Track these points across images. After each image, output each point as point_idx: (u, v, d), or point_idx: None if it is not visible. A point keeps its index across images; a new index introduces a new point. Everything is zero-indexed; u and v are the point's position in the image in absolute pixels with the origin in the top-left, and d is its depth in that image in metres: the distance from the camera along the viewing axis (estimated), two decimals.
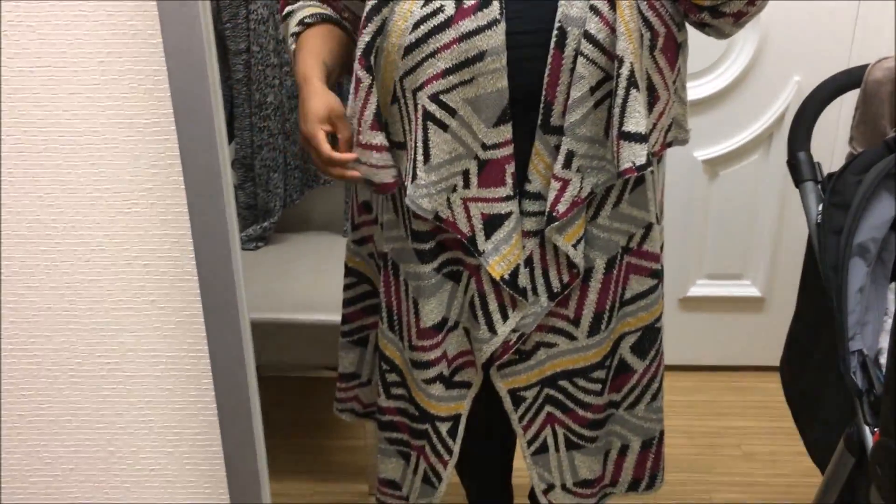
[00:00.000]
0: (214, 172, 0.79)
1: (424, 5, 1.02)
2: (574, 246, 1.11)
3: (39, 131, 0.82)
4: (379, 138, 1.06)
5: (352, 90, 1.07)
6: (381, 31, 1.04)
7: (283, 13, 1.21)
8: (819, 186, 1.49)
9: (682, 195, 2.08)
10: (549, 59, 1.03)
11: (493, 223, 1.09)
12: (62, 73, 0.80)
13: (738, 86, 2.03)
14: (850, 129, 1.56)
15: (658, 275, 1.23)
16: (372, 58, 1.04)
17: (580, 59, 1.01)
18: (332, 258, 2.12)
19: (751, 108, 2.05)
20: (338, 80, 1.17)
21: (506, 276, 1.11)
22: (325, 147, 1.05)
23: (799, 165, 1.51)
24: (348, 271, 1.36)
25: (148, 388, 0.86)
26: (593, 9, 1.00)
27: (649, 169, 1.05)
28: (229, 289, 0.79)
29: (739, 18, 1.02)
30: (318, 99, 1.07)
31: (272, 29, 2.11)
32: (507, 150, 1.06)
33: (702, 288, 2.20)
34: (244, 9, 2.09)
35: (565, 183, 1.07)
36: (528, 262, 1.13)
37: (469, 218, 1.09)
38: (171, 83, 0.77)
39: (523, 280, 1.12)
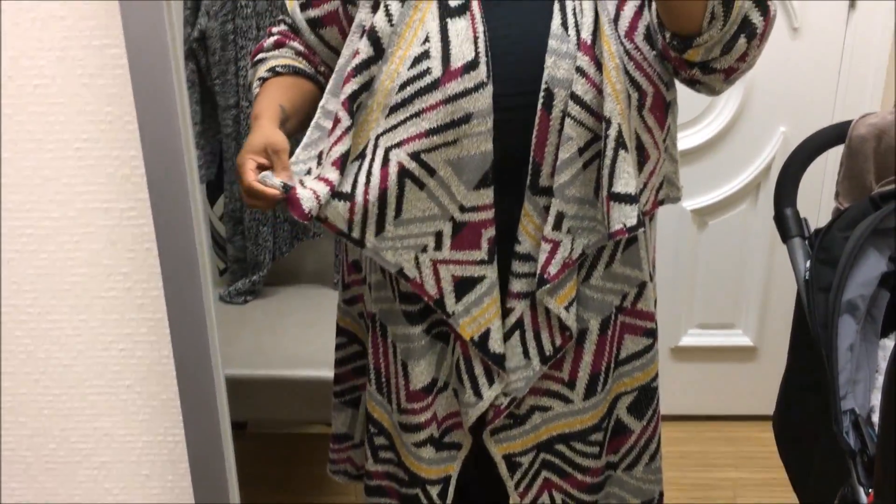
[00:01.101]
0: (191, 257, 0.78)
1: (412, 67, 1.03)
2: (566, 308, 1.10)
3: (16, 217, 0.82)
4: (334, 175, 1.04)
5: (330, 126, 1.06)
6: (367, 86, 1.04)
7: (254, 59, 1.19)
8: (806, 242, 1.49)
9: (671, 244, 2.08)
10: (537, 121, 1.03)
11: (464, 286, 1.08)
12: (39, 159, 0.79)
13: (725, 136, 2.05)
14: (836, 185, 1.56)
15: (653, 334, 1.22)
16: (354, 106, 1.04)
17: (568, 121, 1.01)
18: (323, 311, 2.11)
19: (738, 159, 2.06)
20: (293, 131, 1.14)
21: (475, 338, 1.10)
22: (248, 176, 1.01)
23: (786, 221, 1.51)
24: (339, 331, 1.34)
25: (124, 474, 0.84)
26: (579, 70, 1.01)
27: (641, 229, 1.05)
28: (206, 375, 0.78)
29: (730, 75, 1.01)
30: (260, 133, 1.05)
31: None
32: (486, 214, 1.06)
33: (693, 337, 2.19)
34: (234, 65, 2.10)
35: (555, 245, 1.06)
36: (519, 324, 1.12)
37: (438, 280, 1.08)
38: (148, 169, 0.77)
39: (495, 345, 1.11)
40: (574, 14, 1.03)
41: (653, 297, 1.22)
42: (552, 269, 1.06)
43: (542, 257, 1.06)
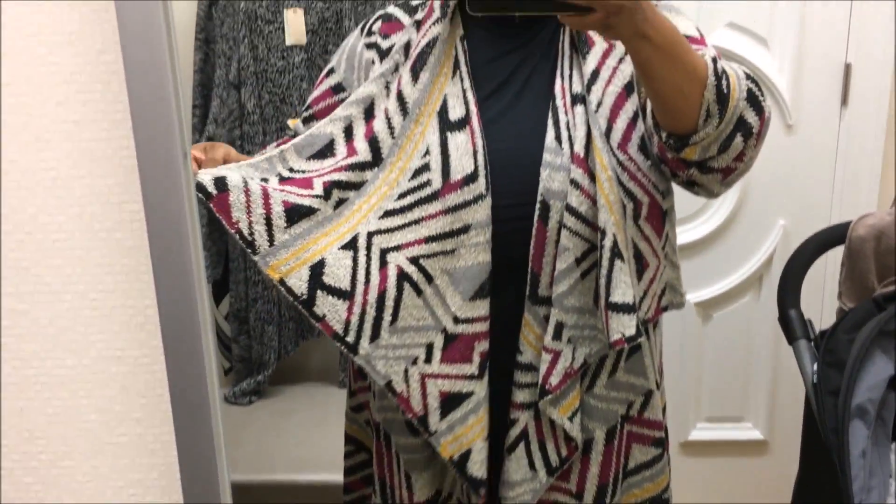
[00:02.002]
0: (203, 405, 0.79)
1: (412, 178, 1.05)
2: (570, 419, 1.09)
3: (31, 365, 0.82)
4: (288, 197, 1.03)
5: (280, 170, 1.07)
6: (356, 187, 1.05)
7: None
8: (812, 344, 1.50)
9: (677, 337, 2.08)
10: (534, 232, 1.04)
11: (451, 402, 1.06)
12: (56, 310, 0.81)
13: (725, 230, 2.07)
14: (839, 285, 1.57)
15: (661, 443, 1.21)
16: (335, 192, 1.04)
17: (564, 232, 1.03)
18: (329, 411, 2.09)
19: (739, 252, 2.08)
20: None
21: (455, 458, 1.07)
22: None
23: (791, 323, 1.52)
24: (347, 439, 1.33)
25: None
26: (573, 182, 1.03)
27: (640, 339, 1.04)
28: None
29: (728, 175, 1.03)
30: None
31: None
32: (481, 327, 1.05)
33: (702, 432, 2.17)
34: None
35: (556, 355, 1.06)
36: (524, 435, 1.11)
37: (424, 396, 1.06)
38: (162, 317, 0.78)
39: (474, 468, 1.07)
40: (567, 128, 1.05)
41: (661, 405, 1.21)
42: (553, 380, 1.06)
43: (544, 367, 1.06)
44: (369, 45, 1.16)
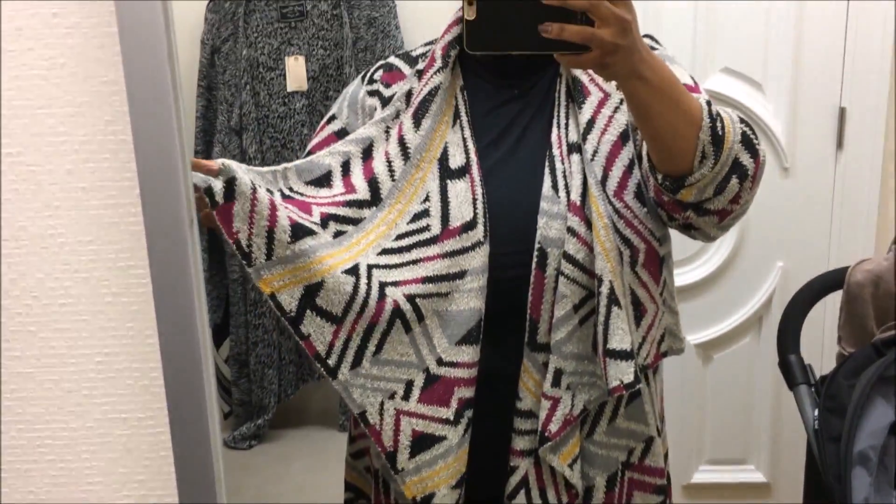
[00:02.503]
0: (207, 468, 0.79)
1: (411, 222, 1.06)
2: (570, 466, 1.09)
3: (35, 428, 0.83)
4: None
5: (280, 186, 1.07)
6: (353, 222, 1.06)
7: None
8: (813, 389, 1.50)
9: (678, 379, 2.08)
10: (532, 279, 1.05)
11: (422, 443, 1.06)
12: (62, 373, 0.81)
13: (724, 272, 2.08)
14: (838, 329, 1.58)
15: (663, 490, 1.20)
16: (332, 224, 1.04)
17: (561, 279, 1.04)
18: (329, 456, 2.09)
19: (738, 293, 2.09)
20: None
21: (417, 499, 1.07)
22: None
23: (791, 368, 1.52)
24: (347, 486, 1.32)
25: None
26: (570, 230, 1.04)
27: (638, 385, 1.04)
28: None
29: (724, 218, 1.03)
30: None
31: None
32: (464, 373, 1.05)
33: (705, 474, 2.16)
34: None
35: (555, 402, 1.06)
36: (524, 483, 1.11)
37: (397, 432, 1.05)
38: (167, 381, 0.78)
39: None
40: (564, 176, 1.07)
41: (662, 452, 1.21)
42: (553, 427, 1.06)
43: (543, 414, 1.06)
44: (371, 93, 1.18)
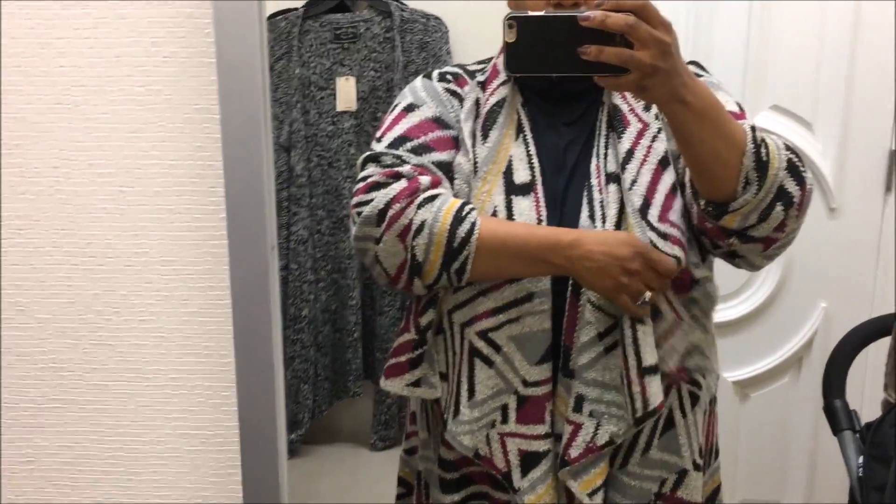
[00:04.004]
0: (274, 488, 0.80)
1: None
2: (590, 495, 1.08)
3: (108, 438, 0.85)
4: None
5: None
6: None
7: (419, 198, 1.02)
8: (858, 436, 1.48)
9: (716, 413, 2.07)
10: (566, 307, 1.06)
11: (529, 461, 1.08)
12: (136, 387, 0.84)
13: (765, 310, 2.07)
14: (885, 376, 1.56)
15: None
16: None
17: (587, 306, 1.04)
18: (359, 475, 2.10)
19: (778, 332, 2.07)
20: None
21: None
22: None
23: (836, 414, 1.51)
24: (399, 481, 1.33)
25: None
26: None
27: (660, 403, 1.03)
28: None
29: (769, 246, 1.02)
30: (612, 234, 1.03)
31: (310, 248, 2.20)
32: (547, 388, 1.07)
33: None
34: (285, 230, 2.19)
35: (577, 427, 1.06)
36: None
37: (506, 453, 1.08)
38: (240, 401, 0.80)
39: None
40: (601, 206, 1.07)
41: (698, 487, 1.19)
42: (573, 452, 1.06)
43: (565, 438, 1.06)
44: (449, 91, 1.16)
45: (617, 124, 1.10)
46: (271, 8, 2.19)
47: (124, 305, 0.81)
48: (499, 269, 1.03)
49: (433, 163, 1.07)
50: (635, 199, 1.06)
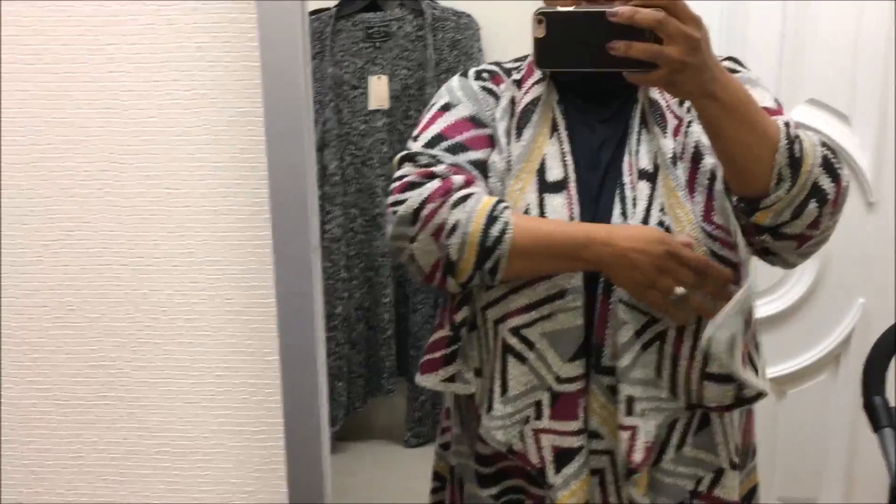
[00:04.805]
0: (316, 483, 0.82)
1: None
2: (643, 495, 1.09)
3: (154, 435, 0.87)
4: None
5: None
6: None
7: (453, 197, 1.03)
8: None
9: (754, 411, 2.05)
10: (598, 305, 1.06)
11: (563, 457, 1.08)
12: (181, 384, 0.86)
13: (802, 306, 2.05)
14: None
15: None
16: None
17: (620, 306, 1.04)
18: (394, 473, 2.11)
19: (816, 329, 2.05)
20: None
21: None
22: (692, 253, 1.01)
23: (876, 411, 1.49)
24: (435, 475, 1.34)
25: None
26: None
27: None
28: None
29: (803, 243, 1.01)
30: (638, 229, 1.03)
31: (344, 246, 2.23)
32: (581, 384, 1.07)
33: None
34: (319, 228, 2.21)
35: (634, 431, 1.06)
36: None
37: (539, 449, 1.08)
38: (284, 397, 0.82)
39: None
40: (633, 203, 1.06)
41: (735, 486, 1.19)
42: (637, 457, 1.05)
43: (623, 446, 1.06)
44: (485, 89, 1.16)
45: (659, 120, 1.09)
46: None
47: (170, 304, 0.83)
48: (532, 267, 1.03)
49: (469, 161, 1.08)
50: (682, 197, 1.05)
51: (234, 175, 0.80)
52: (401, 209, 1.01)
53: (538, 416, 1.08)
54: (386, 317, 2.26)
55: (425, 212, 1.00)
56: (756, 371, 1.10)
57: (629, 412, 1.05)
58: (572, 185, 1.08)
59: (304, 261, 0.77)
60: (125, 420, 0.86)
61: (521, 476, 1.14)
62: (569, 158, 1.09)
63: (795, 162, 0.94)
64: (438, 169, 1.04)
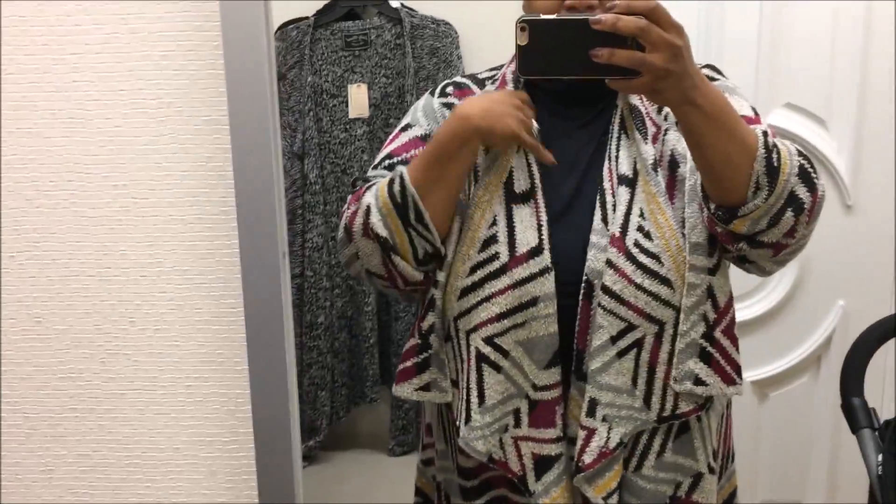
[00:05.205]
0: (288, 494, 0.81)
1: (481, 251, 1.07)
2: (605, 499, 1.09)
3: (127, 447, 0.86)
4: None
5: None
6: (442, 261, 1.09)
7: (359, 196, 1.10)
8: (877, 434, 1.47)
9: (732, 416, 2.06)
10: (579, 310, 1.06)
11: (542, 464, 1.08)
12: (152, 395, 0.85)
13: (783, 309, 2.05)
14: None
15: None
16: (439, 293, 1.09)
17: (599, 310, 1.04)
18: (379, 480, 2.11)
19: (796, 331, 2.06)
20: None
21: None
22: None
23: (854, 412, 1.49)
24: (417, 491, 1.34)
25: None
26: (609, 262, 1.03)
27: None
28: None
29: (779, 251, 1.02)
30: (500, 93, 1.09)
31: (325, 255, 2.22)
32: (557, 392, 1.07)
33: None
34: (300, 237, 2.21)
35: (591, 433, 1.06)
36: None
37: (520, 457, 1.08)
38: (254, 408, 0.81)
39: None
40: (613, 209, 1.07)
41: (713, 490, 1.19)
42: (587, 458, 1.06)
43: (578, 444, 1.06)
44: (445, 105, 1.19)
45: (640, 126, 1.10)
46: (282, 17, 2.21)
47: (139, 315, 0.83)
48: (442, 188, 1.06)
49: None
50: (664, 203, 1.06)
51: (202, 183, 0.79)
52: (338, 236, 1.09)
53: (517, 424, 1.08)
54: (368, 325, 2.25)
55: (347, 220, 1.06)
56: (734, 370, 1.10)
57: (590, 414, 1.06)
58: (539, 195, 1.08)
59: (273, 268, 0.76)
60: (95, 432, 0.86)
61: (504, 485, 1.14)
62: (534, 168, 1.10)
63: (773, 171, 0.95)
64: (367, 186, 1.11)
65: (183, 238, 0.80)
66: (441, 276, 1.10)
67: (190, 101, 0.78)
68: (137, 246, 0.81)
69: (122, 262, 0.81)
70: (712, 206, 1.00)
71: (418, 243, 1.05)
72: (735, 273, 1.13)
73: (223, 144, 0.77)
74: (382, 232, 1.04)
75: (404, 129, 1.19)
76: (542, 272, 1.05)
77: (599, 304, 1.04)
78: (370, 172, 1.15)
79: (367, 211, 1.04)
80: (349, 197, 1.11)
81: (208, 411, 0.84)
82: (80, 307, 0.83)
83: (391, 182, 1.04)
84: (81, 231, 0.81)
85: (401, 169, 1.06)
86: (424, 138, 1.16)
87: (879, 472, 1.39)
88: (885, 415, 1.46)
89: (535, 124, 1.05)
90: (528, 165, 1.10)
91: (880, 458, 1.40)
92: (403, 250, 1.05)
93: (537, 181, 1.09)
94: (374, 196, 1.05)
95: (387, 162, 1.15)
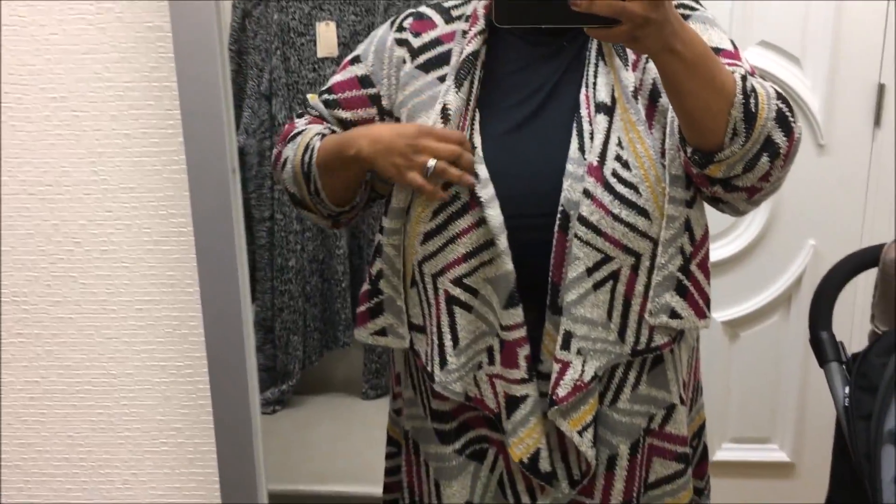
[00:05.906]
0: (245, 416, 0.79)
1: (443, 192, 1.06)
2: (580, 433, 1.08)
3: (75, 372, 0.84)
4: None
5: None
6: (406, 213, 1.08)
7: (289, 135, 1.16)
8: (844, 367, 1.48)
9: (702, 356, 2.06)
10: (554, 242, 1.04)
11: (511, 404, 1.08)
12: (102, 318, 0.82)
13: (754, 249, 2.06)
14: (871, 307, 1.56)
15: (685, 458, 1.19)
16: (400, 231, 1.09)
17: (575, 241, 1.03)
18: (353, 423, 2.10)
19: (768, 271, 2.06)
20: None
21: (524, 460, 1.09)
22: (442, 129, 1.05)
23: (822, 346, 1.50)
24: (389, 440, 1.33)
25: None
26: (586, 192, 1.02)
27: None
28: None
29: (753, 194, 1.02)
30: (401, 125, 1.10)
31: None
32: (519, 333, 1.06)
33: (728, 452, 2.15)
34: (269, 180, 2.16)
35: (565, 365, 1.05)
36: (547, 443, 1.11)
37: (496, 394, 1.08)
38: (207, 329, 0.79)
39: (545, 464, 1.09)
40: (591, 137, 1.06)
41: (684, 421, 1.19)
42: (561, 391, 1.05)
43: (553, 378, 1.06)
44: (400, 42, 1.15)
45: (618, 50, 1.07)
46: None
47: (85, 236, 0.79)
48: (335, 181, 1.10)
49: (335, 118, 1.16)
50: (644, 132, 1.04)
51: (146, 95, 0.75)
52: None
53: (491, 362, 1.07)
54: (340, 269, 2.23)
55: (274, 156, 1.15)
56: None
57: (564, 346, 1.05)
58: (468, 131, 1.07)
59: (223, 185, 0.73)
60: (43, 358, 0.83)
61: (482, 425, 1.13)
62: (471, 104, 1.08)
63: (751, 117, 0.94)
64: (299, 121, 1.16)
65: (128, 153, 0.77)
66: (387, 223, 1.08)
67: (131, 7, 0.73)
68: (80, 162, 0.77)
69: (63, 180, 0.78)
70: (688, 150, 0.99)
71: (322, 207, 1.11)
72: (708, 213, 1.12)
73: (167, 53, 0.74)
74: (291, 188, 1.12)
75: (353, 61, 1.20)
76: (490, 202, 1.03)
77: (576, 235, 1.02)
78: (314, 100, 1.18)
79: (284, 163, 1.12)
80: (286, 124, 1.16)
81: (160, 335, 0.82)
82: (22, 228, 0.79)
83: (306, 149, 1.09)
84: (19, 147, 0.77)
85: (316, 143, 1.10)
86: (363, 80, 1.16)
87: (846, 404, 1.40)
88: (853, 349, 1.47)
89: (469, 156, 1.04)
90: (467, 102, 1.08)
91: (847, 390, 1.41)
92: (310, 207, 1.13)
93: (466, 116, 1.07)
94: (292, 151, 1.11)
95: (325, 96, 1.18)
